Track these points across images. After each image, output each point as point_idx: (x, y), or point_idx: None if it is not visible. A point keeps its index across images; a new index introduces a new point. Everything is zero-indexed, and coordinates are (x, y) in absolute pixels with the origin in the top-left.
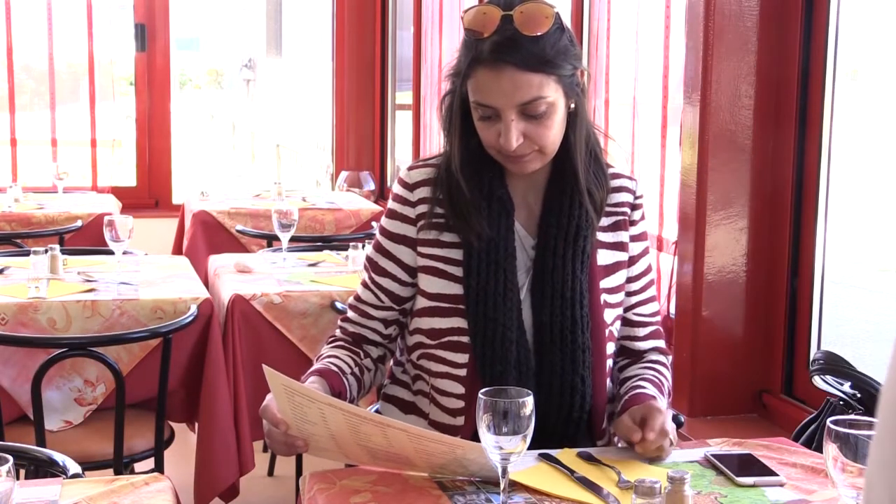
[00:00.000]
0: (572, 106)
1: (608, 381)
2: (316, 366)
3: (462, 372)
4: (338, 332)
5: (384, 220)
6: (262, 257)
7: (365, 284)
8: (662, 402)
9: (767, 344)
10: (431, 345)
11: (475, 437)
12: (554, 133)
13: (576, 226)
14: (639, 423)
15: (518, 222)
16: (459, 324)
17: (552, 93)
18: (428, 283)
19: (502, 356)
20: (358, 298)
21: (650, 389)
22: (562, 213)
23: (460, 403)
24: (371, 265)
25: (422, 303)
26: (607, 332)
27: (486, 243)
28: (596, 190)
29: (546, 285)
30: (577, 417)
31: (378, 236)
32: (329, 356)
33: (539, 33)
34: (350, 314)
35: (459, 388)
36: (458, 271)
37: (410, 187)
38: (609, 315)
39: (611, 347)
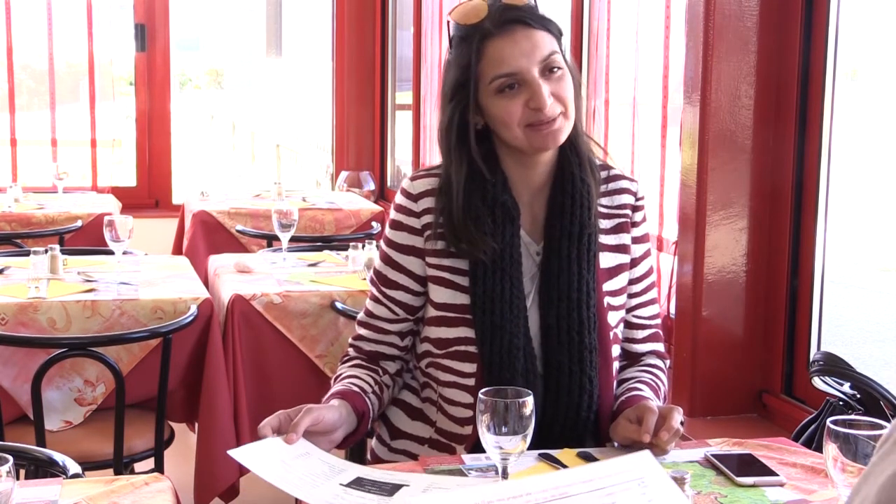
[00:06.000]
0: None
1: (614, 382)
2: (336, 387)
3: (470, 381)
4: (351, 351)
5: (390, 232)
6: (262, 257)
7: (376, 299)
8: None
9: (767, 344)
10: (439, 354)
11: (481, 446)
12: (571, 93)
13: (579, 224)
14: (635, 422)
15: (523, 229)
16: (467, 333)
17: (559, 53)
18: (435, 293)
19: (510, 364)
20: (370, 314)
21: (646, 392)
22: (564, 213)
23: (468, 413)
24: (380, 279)
25: (429, 312)
26: (612, 334)
27: (492, 252)
28: (595, 165)
29: (553, 288)
30: (585, 418)
31: (385, 248)
32: (348, 376)
33: (525, 2)
34: (363, 332)
35: (468, 398)
36: (464, 281)
37: (414, 198)
38: (613, 318)
39: (616, 350)
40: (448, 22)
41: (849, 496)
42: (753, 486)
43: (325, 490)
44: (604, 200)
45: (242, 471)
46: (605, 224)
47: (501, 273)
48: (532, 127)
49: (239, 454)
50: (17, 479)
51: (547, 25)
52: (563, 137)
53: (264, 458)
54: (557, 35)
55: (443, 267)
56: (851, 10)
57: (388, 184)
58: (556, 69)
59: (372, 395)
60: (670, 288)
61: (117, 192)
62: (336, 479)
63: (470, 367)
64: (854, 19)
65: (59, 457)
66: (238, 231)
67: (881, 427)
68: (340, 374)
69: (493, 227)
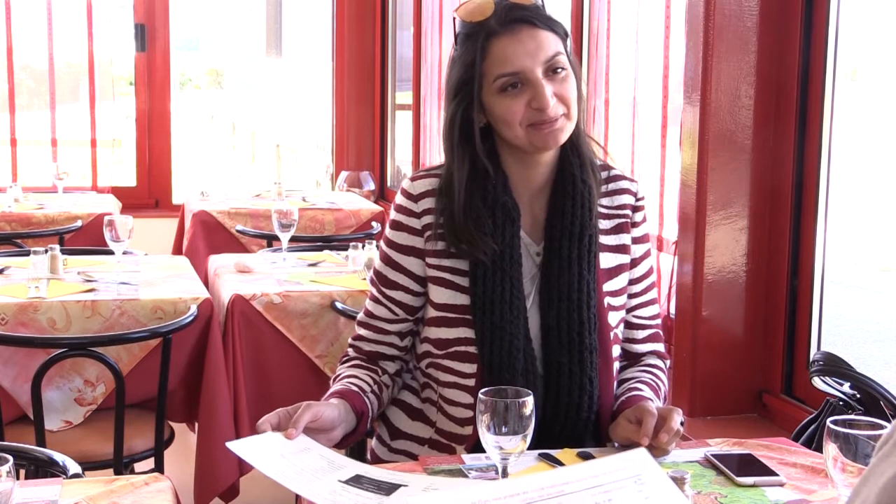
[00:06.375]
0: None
1: (615, 383)
2: (335, 387)
3: (470, 382)
4: (351, 352)
5: (390, 233)
6: (262, 257)
7: (375, 300)
8: (658, 405)
9: (767, 344)
10: (439, 355)
11: (481, 445)
12: (575, 94)
13: (580, 225)
14: (635, 423)
15: (523, 230)
16: (467, 334)
17: (564, 55)
18: (436, 293)
19: (509, 365)
20: (369, 314)
21: (646, 392)
22: (565, 213)
23: (468, 413)
24: (380, 279)
25: (429, 312)
26: (612, 334)
27: (492, 253)
28: (596, 166)
29: (553, 289)
30: (586, 418)
31: (385, 249)
32: (347, 376)
33: (532, 1)
34: (362, 332)
35: (468, 398)
36: (464, 282)
37: (415, 198)
38: (613, 318)
39: (616, 350)
40: (454, 18)
41: (849, 497)
42: (753, 486)
43: (323, 485)
44: (604, 201)
45: (242, 471)
46: (605, 224)
47: (501, 274)
48: (534, 126)
49: (237, 447)
50: (17, 479)
51: (553, 26)
52: (564, 137)
53: (263, 451)
54: (563, 36)
55: (443, 267)
56: (851, 10)
57: (388, 184)
58: (560, 70)
59: (371, 394)
60: (670, 288)
61: (117, 192)
62: (335, 475)
63: (470, 368)
64: (854, 19)
65: (59, 457)
66: (238, 231)
67: (881, 427)
68: (339, 375)
69: (493, 227)
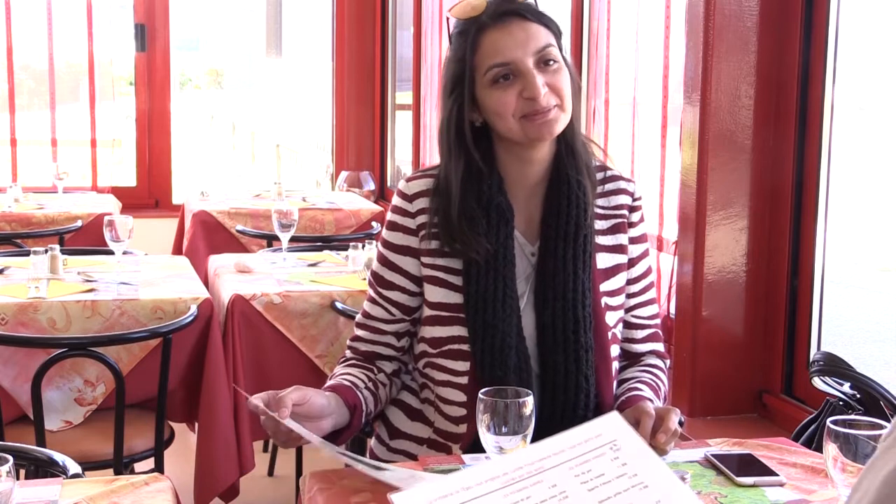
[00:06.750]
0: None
1: (614, 383)
2: (329, 383)
3: (463, 380)
4: (348, 353)
5: (386, 233)
6: (262, 257)
7: (373, 300)
8: (657, 405)
9: (767, 344)
10: (434, 353)
11: (476, 443)
12: (568, 87)
13: (574, 225)
14: (633, 424)
15: (517, 230)
16: (460, 332)
17: (556, 48)
18: (430, 292)
19: (501, 362)
20: (367, 315)
21: (646, 392)
22: (560, 214)
23: (462, 411)
24: (377, 280)
25: (425, 312)
26: (610, 334)
27: (486, 253)
28: (591, 167)
29: (548, 288)
30: (582, 416)
31: (381, 249)
32: (341, 374)
33: None
34: (360, 332)
35: (461, 396)
36: (458, 280)
37: (409, 198)
38: (611, 318)
39: (615, 350)
40: (447, 19)
41: (851, 490)
42: (753, 486)
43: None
44: (600, 201)
45: (242, 471)
46: (601, 225)
47: (495, 273)
48: (526, 117)
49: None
50: (17, 479)
51: (544, 21)
52: (558, 128)
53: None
54: (556, 32)
55: (437, 266)
56: (851, 10)
57: (388, 184)
58: (551, 62)
59: (365, 390)
60: (670, 288)
61: (117, 192)
62: (329, 448)
63: (463, 366)
64: (854, 19)
65: (59, 457)
66: (238, 231)
67: (881, 427)
68: (335, 373)
69: (486, 227)
